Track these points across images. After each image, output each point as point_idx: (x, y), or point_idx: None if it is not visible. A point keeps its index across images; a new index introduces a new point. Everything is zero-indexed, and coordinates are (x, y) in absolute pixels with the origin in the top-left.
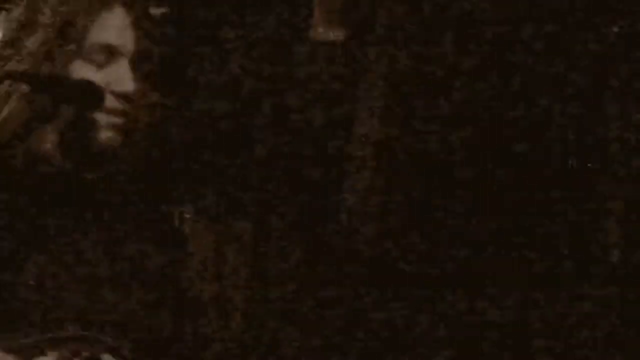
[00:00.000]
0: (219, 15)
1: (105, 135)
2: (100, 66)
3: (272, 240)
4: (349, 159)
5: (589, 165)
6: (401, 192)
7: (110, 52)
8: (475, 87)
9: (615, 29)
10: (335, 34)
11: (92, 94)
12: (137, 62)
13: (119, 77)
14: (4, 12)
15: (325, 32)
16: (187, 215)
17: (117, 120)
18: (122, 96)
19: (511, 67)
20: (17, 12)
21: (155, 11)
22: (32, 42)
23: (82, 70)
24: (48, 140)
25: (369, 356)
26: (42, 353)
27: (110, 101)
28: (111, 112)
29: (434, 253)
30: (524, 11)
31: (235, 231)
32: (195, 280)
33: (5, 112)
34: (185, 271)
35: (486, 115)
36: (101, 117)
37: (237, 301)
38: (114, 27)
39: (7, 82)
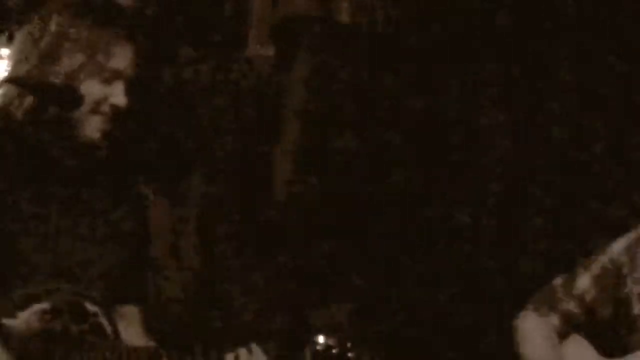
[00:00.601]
0: (177, 37)
1: (91, 131)
2: (105, 82)
3: (215, 211)
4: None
5: None
6: (316, 180)
7: (115, 74)
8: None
9: None
10: (266, 51)
11: (74, 99)
12: (129, 83)
13: (116, 93)
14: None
15: (258, 49)
16: (149, 193)
17: (104, 123)
18: (115, 107)
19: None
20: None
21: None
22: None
23: (92, 83)
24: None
25: (300, 305)
26: (39, 300)
27: (105, 108)
28: (104, 115)
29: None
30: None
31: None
32: (155, 242)
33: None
34: (147, 234)
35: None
36: (94, 119)
37: (189, 259)
38: (122, 57)
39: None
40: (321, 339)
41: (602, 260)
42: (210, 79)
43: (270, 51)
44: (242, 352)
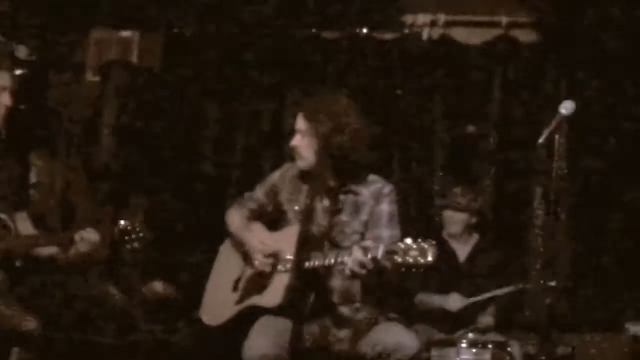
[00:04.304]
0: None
1: None
2: None
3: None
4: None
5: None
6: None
7: (3, 88)
8: None
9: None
10: (94, 78)
11: None
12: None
13: (4, 99)
14: None
15: (92, 77)
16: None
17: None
18: (6, 106)
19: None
20: None
21: None
22: None
23: None
24: None
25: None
26: None
27: (1, 109)
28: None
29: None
30: None
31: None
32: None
33: None
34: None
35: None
36: None
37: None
38: (4, 79)
39: None
40: (122, 222)
41: (268, 181)
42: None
43: (97, 78)
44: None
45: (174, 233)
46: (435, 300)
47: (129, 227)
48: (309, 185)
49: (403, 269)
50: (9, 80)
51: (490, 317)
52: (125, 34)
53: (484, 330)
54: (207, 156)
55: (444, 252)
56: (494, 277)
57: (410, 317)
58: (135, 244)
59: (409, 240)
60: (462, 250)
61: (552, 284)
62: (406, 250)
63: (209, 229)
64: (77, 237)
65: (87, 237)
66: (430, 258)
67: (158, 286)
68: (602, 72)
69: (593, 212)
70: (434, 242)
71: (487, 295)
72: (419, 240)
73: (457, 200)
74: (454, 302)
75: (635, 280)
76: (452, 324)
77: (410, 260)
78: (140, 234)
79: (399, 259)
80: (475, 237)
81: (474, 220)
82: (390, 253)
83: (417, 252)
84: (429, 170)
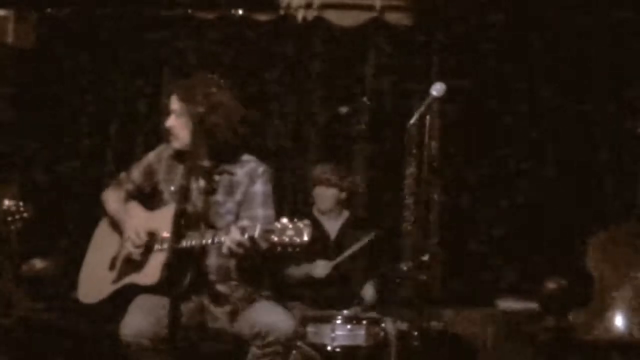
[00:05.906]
0: None
1: None
2: None
3: None
4: None
5: None
6: None
7: None
8: None
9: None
10: None
11: None
12: None
13: None
14: None
15: None
16: None
17: None
18: None
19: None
20: None
21: None
22: None
23: None
24: None
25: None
26: None
27: None
28: None
29: None
30: None
31: None
32: None
33: None
34: None
35: None
36: None
37: None
38: None
39: None
40: (7, 201)
41: (144, 161)
42: None
43: None
44: None
45: (51, 212)
46: (302, 269)
47: (12, 208)
48: (184, 165)
49: (279, 248)
50: None
51: (373, 290)
52: (0, 13)
53: (369, 307)
54: (83, 136)
55: (315, 228)
56: (365, 253)
57: (283, 294)
58: (19, 224)
59: (285, 220)
60: (333, 226)
61: (425, 258)
62: (283, 230)
63: (85, 208)
64: None
65: None
66: (306, 237)
67: (37, 264)
68: (473, 54)
69: (464, 190)
70: (309, 222)
71: (348, 252)
72: (295, 220)
73: (326, 176)
74: (321, 269)
75: (505, 258)
76: (330, 302)
77: (287, 239)
78: (24, 214)
79: (276, 239)
80: (345, 214)
81: (343, 195)
82: (267, 232)
83: (293, 231)
84: (303, 150)
